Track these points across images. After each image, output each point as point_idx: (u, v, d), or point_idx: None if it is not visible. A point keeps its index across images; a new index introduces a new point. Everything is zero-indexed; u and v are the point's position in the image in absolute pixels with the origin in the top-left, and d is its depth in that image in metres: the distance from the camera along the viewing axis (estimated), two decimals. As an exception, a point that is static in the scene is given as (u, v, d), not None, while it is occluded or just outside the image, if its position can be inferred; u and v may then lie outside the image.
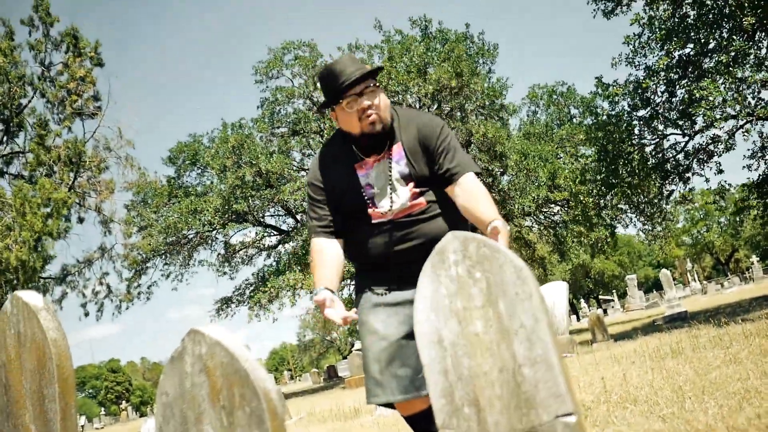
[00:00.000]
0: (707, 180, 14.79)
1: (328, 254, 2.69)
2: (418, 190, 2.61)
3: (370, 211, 2.63)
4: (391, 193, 2.62)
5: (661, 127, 14.23)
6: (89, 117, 21.02)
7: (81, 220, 21.27)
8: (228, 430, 1.60)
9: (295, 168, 22.48)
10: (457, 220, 2.64)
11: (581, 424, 1.43)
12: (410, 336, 2.46)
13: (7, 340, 2.04)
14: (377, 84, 2.70)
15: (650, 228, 21.38)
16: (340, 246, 2.74)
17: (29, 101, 19.94)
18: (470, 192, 2.56)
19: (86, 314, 21.94)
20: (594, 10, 13.69)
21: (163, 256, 23.95)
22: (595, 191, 15.90)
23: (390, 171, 2.64)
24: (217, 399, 1.61)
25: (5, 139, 19.86)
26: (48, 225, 16.43)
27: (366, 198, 2.65)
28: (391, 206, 2.61)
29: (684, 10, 12.45)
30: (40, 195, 16.54)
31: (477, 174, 2.66)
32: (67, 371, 1.97)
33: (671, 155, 14.62)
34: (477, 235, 1.59)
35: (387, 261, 2.64)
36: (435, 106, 20.81)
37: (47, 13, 19.99)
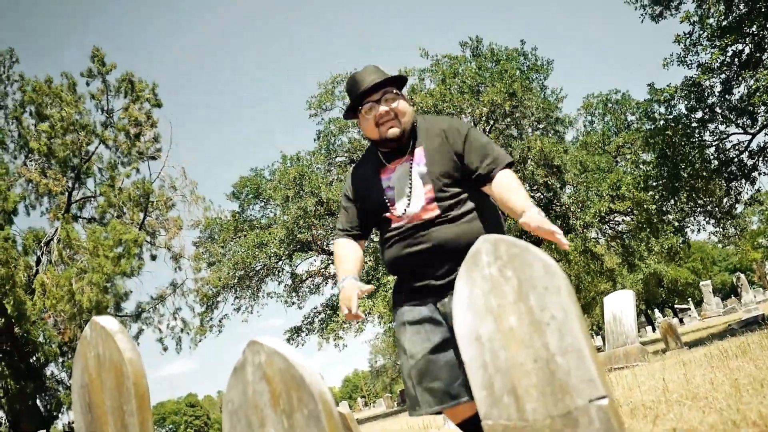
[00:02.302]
0: (775, 178, 14.45)
1: (348, 249, 2.87)
2: (433, 194, 2.65)
3: (388, 214, 2.72)
4: (409, 194, 2.68)
5: (721, 128, 13.95)
6: (152, 158, 21.81)
7: (153, 258, 22.00)
8: (289, 431, 1.73)
9: (355, 195, 22.76)
10: (475, 227, 2.63)
11: (613, 407, 1.51)
12: (435, 351, 2.53)
13: (88, 363, 2.23)
14: (397, 92, 2.80)
15: (721, 230, 20.79)
16: (359, 247, 2.92)
17: (96, 148, 20.85)
18: (502, 185, 2.62)
19: (165, 349, 22.57)
20: (642, 15, 13.57)
21: (233, 290, 24.49)
22: (658, 197, 15.61)
23: (410, 172, 2.71)
24: (277, 403, 1.75)
25: (77, 185, 20.77)
26: (121, 265, 17.09)
27: (386, 200, 2.73)
28: (406, 209, 2.67)
29: (740, 9, 12.20)
30: (111, 237, 17.23)
31: (510, 164, 2.71)
32: (143, 388, 2.14)
33: (734, 155, 14.29)
34: (507, 237, 1.69)
35: (405, 266, 2.69)
36: (490, 125, 20.84)
37: (102, 62, 20.91)
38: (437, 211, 2.63)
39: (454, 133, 2.76)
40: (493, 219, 2.74)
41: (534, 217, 2.37)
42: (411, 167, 2.73)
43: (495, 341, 1.67)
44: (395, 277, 2.83)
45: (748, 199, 15.85)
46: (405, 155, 2.77)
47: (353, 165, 3.00)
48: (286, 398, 1.72)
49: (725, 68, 12.49)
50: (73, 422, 19.04)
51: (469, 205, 2.68)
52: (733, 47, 12.23)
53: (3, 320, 16.45)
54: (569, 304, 1.58)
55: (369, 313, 20.54)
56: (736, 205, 16.67)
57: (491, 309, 1.68)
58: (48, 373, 18.97)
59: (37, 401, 18.19)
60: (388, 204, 2.73)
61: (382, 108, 2.74)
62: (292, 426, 1.71)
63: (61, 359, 18.32)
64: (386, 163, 2.81)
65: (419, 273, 2.66)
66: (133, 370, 2.13)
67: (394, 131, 2.73)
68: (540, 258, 1.63)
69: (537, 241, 21.91)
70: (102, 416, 2.19)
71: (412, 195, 2.68)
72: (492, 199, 2.76)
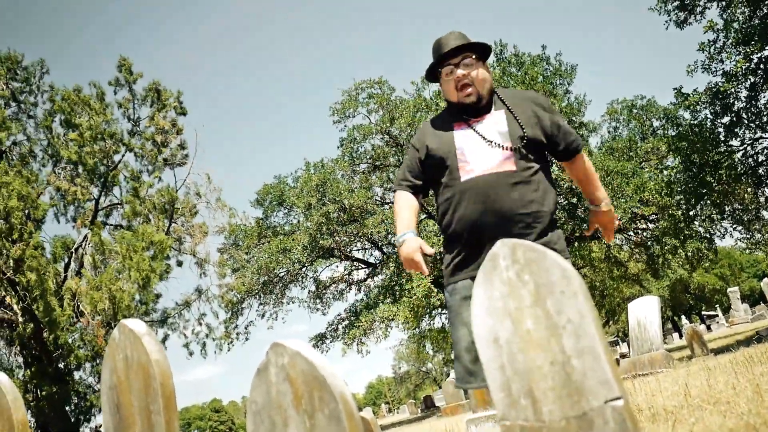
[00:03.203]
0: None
1: (405, 201, 2.94)
2: (510, 152, 2.73)
3: (459, 164, 2.76)
4: (486, 146, 2.76)
5: (749, 133, 13.81)
6: (178, 165, 22.05)
7: (179, 264, 22.23)
8: (311, 431, 1.78)
9: (377, 202, 22.85)
10: (542, 195, 2.73)
11: (628, 408, 1.53)
12: None
13: (117, 364, 2.30)
14: (478, 58, 2.90)
15: (749, 236, 20.57)
16: (417, 199, 2.99)
17: (122, 156, 21.11)
18: (587, 169, 2.97)
19: (191, 354, 22.76)
20: (666, 21, 13.50)
21: (257, 296, 24.64)
22: (683, 202, 15.48)
23: (490, 129, 2.80)
24: (299, 404, 1.79)
25: (104, 193, 21.05)
26: (154, 266, 17.33)
27: (458, 149, 2.79)
28: (480, 159, 2.73)
29: (763, 11, 12.10)
30: (142, 239, 17.47)
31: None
32: (169, 388, 2.20)
33: (762, 159, 14.14)
34: (523, 242, 1.73)
35: (475, 223, 2.69)
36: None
37: (129, 71, 21.18)
38: (513, 167, 2.70)
39: (542, 104, 2.91)
40: (554, 196, 2.82)
41: (612, 214, 2.95)
42: (495, 125, 2.81)
43: (513, 344, 1.70)
44: (454, 240, 2.81)
45: None
46: (485, 114, 2.86)
47: (429, 119, 3.11)
48: (308, 399, 1.76)
49: (750, 74, 12.38)
50: (100, 426, 19.27)
51: (540, 175, 2.78)
52: (759, 54, 12.12)
53: (32, 326, 16.71)
54: (585, 308, 1.61)
55: (392, 320, 20.53)
56: (764, 211, 16.50)
57: (509, 312, 1.72)
58: (77, 377, 19.23)
59: (67, 407, 18.42)
60: (460, 153, 2.78)
61: (460, 71, 2.85)
62: (314, 426, 1.75)
63: (88, 365, 18.57)
64: (465, 117, 2.88)
65: (488, 233, 2.66)
66: (160, 371, 2.19)
67: (472, 98, 2.84)
68: (557, 262, 1.66)
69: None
70: (129, 417, 2.25)
71: (490, 148, 2.75)
72: (570, 173, 3.02)
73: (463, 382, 2.69)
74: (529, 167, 2.73)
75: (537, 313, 1.67)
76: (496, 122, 2.81)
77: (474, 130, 2.81)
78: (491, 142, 2.75)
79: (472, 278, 2.66)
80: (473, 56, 2.88)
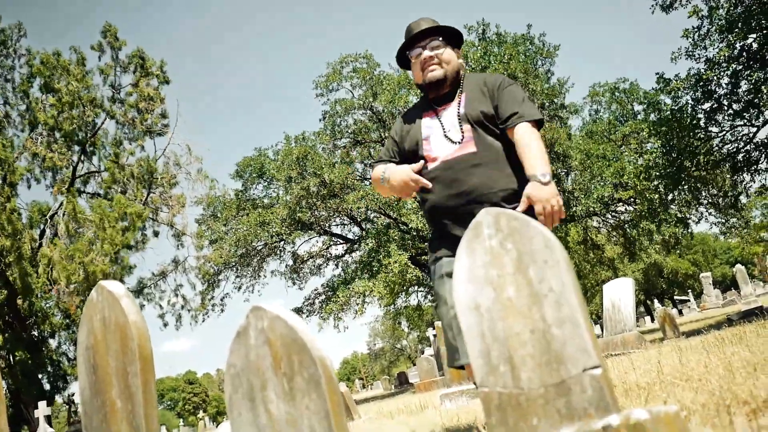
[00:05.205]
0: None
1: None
2: (471, 134, 2.80)
3: (424, 153, 2.87)
4: (446, 134, 2.84)
5: (728, 119, 13.91)
6: (158, 134, 21.83)
7: (156, 234, 22.08)
8: (289, 395, 1.77)
9: (357, 177, 22.78)
10: (507, 173, 2.77)
11: (606, 376, 1.55)
12: None
13: (94, 325, 2.28)
14: (446, 42, 3.00)
15: (724, 221, 20.82)
16: None
17: (102, 123, 20.84)
18: (519, 141, 2.74)
19: (165, 325, 22.71)
20: (652, 5, 13.51)
21: (234, 268, 24.57)
22: (661, 187, 15.61)
23: (454, 114, 2.88)
24: (278, 367, 1.79)
25: (82, 160, 20.80)
26: (126, 237, 17.20)
27: (423, 139, 2.90)
28: (442, 147, 2.82)
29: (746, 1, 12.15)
30: (116, 210, 17.31)
31: (539, 122, 2.82)
32: (147, 350, 2.19)
33: (740, 146, 14.27)
34: (507, 210, 1.73)
35: (442, 210, 2.80)
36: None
37: (115, 37, 20.88)
38: (474, 149, 2.77)
39: (492, 83, 2.94)
40: (520, 174, 2.79)
41: (536, 193, 2.54)
42: (456, 110, 2.89)
43: (493, 311, 1.71)
44: (432, 222, 2.92)
45: (759, 188, 15.81)
46: (451, 102, 2.94)
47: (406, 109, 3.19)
48: (287, 362, 1.76)
49: (733, 62, 12.44)
50: (73, 394, 19.20)
51: (503, 153, 2.81)
52: (741, 43, 12.18)
53: (6, 292, 16.55)
54: (567, 277, 1.61)
55: (368, 295, 20.57)
56: (741, 197, 16.68)
57: (491, 280, 1.72)
58: (53, 345, 19.10)
59: (40, 375, 18.30)
60: (426, 143, 2.89)
61: (426, 53, 2.95)
62: (293, 389, 1.75)
63: (64, 333, 18.47)
64: (434, 106, 2.97)
65: (455, 218, 2.76)
66: (137, 333, 2.18)
67: (435, 74, 2.93)
68: (540, 232, 1.66)
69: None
70: (106, 377, 2.23)
71: (450, 135, 2.84)
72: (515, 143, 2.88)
73: (451, 360, 2.72)
74: (491, 146, 2.79)
75: (519, 281, 1.67)
76: (457, 106, 2.90)
77: (438, 118, 2.91)
78: (452, 128, 2.84)
79: (451, 255, 2.71)
80: (440, 39, 2.98)
